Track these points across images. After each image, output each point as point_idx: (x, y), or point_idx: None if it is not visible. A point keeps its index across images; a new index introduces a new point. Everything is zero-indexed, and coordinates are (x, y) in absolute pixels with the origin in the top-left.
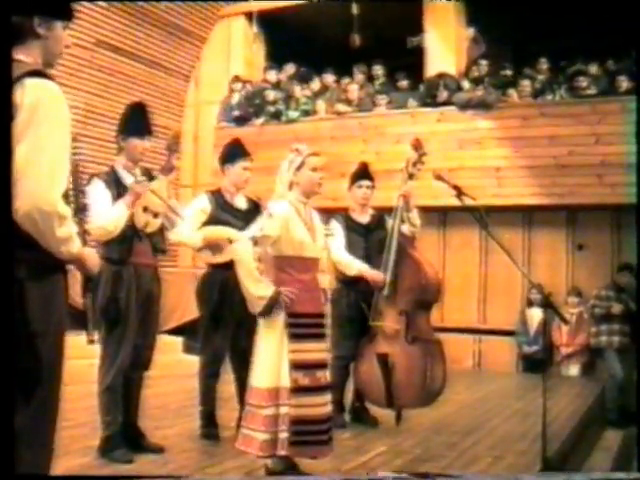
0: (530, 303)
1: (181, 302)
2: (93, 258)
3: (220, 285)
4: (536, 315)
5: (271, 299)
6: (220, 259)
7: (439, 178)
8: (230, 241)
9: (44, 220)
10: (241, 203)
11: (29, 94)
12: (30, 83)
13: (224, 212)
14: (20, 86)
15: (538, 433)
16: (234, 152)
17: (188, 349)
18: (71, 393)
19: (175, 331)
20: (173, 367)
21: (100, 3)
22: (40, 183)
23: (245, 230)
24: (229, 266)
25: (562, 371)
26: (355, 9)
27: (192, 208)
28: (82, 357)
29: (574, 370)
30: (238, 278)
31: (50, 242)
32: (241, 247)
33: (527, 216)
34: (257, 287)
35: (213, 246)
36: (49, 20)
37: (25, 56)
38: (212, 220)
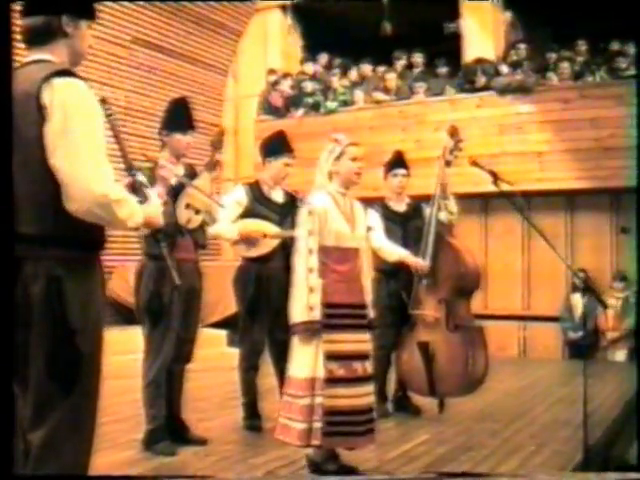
0: (575, 288)
1: (224, 295)
2: (156, 216)
3: (255, 278)
4: (581, 300)
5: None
6: (254, 253)
7: (475, 164)
8: (265, 235)
9: (105, 211)
10: (278, 196)
11: (59, 94)
12: (59, 83)
13: (260, 205)
14: (48, 86)
15: (581, 421)
16: (277, 146)
17: (232, 342)
18: (117, 387)
19: (219, 324)
20: (217, 360)
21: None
22: (89, 181)
23: (281, 224)
24: (265, 259)
25: (608, 356)
26: None
27: (228, 200)
28: (127, 352)
29: (620, 355)
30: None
31: (117, 225)
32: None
33: (570, 200)
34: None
35: (248, 240)
36: (76, 19)
37: (51, 55)
38: (248, 213)
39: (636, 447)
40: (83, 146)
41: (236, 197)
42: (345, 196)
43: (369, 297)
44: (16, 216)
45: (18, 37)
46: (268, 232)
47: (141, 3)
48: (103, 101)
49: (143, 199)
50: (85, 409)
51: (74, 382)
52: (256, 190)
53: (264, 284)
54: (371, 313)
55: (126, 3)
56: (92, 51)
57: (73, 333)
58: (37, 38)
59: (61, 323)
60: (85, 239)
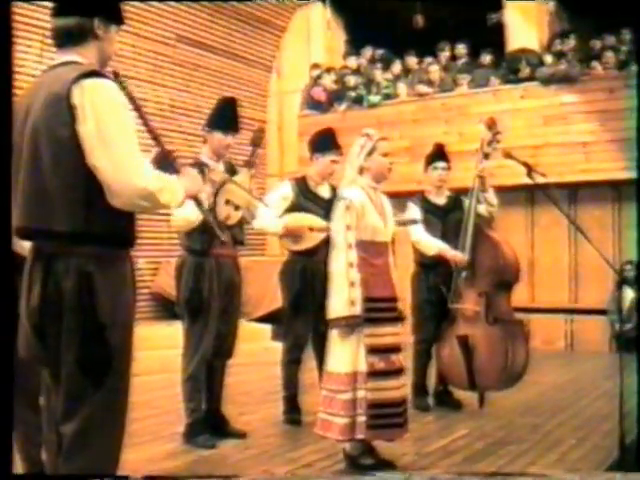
0: (623, 281)
1: (269, 290)
2: (194, 188)
3: (301, 272)
4: (629, 293)
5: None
6: (301, 247)
7: (509, 156)
8: (311, 229)
9: (148, 202)
10: (325, 192)
11: (90, 95)
12: (89, 83)
13: (307, 200)
14: (78, 87)
15: (626, 413)
16: (326, 143)
17: (276, 336)
18: (161, 381)
19: (264, 319)
20: (260, 355)
21: None
22: (130, 177)
23: (327, 218)
24: (310, 253)
25: None
26: None
27: (274, 195)
28: (169, 347)
29: None
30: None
31: (162, 209)
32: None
33: (617, 191)
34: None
35: (294, 234)
36: (107, 23)
37: (80, 57)
38: (295, 207)
39: None
40: (119, 144)
41: (282, 192)
42: (376, 190)
43: (399, 290)
44: (48, 214)
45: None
46: (314, 226)
47: (183, 1)
48: (115, 74)
49: (173, 170)
50: (116, 403)
51: (104, 376)
52: (302, 185)
53: (309, 278)
54: (401, 305)
55: (169, 2)
56: (137, 50)
57: (103, 328)
58: (68, 39)
59: (91, 318)
60: (116, 236)
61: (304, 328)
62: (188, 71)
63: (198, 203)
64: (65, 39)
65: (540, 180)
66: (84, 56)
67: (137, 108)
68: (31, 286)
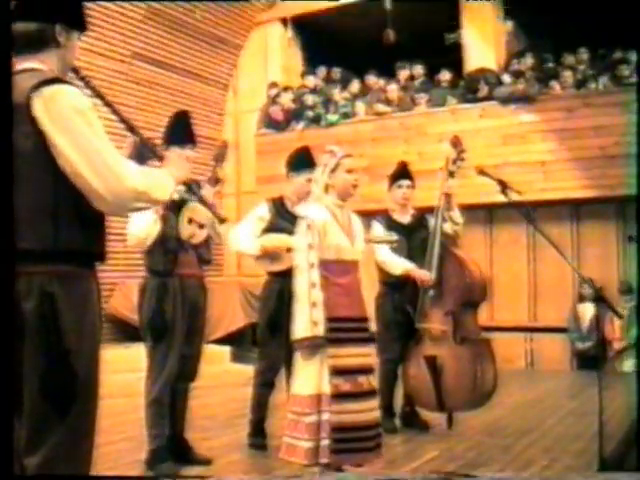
0: (582, 298)
1: (227, 311)
2: (182, 172)
3: (278, 293)
4: (588, 310)
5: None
6: (278, 267)
7: (483, 173)
8: (288, 250)
9: (142, 202)
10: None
11: (53, 103)
12: (50, 91)
13: (284, 220)
14: (39, 97)
15: (594, 433)
16: (301, 162)
17: (236, 358)
18: (120, 406)
19: (222, 340)
20: (221, 377)
21: (135, 15)
22: (116, 180)
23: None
24: (287, 274)
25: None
26: (388, 4)
27: (251, 216)
28: (130, 370)
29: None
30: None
31: (156, 205)
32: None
33: (575, 210)
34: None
35: (272, 255)
36: (69, 29)
37: (41, 65)
38: (272, 228)
39: None
40: (97, 149)
41: (259, 213)
42: (342, 208)
43: (370, 309)
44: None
45: None
46: (292, 246)
47: (140, 18)
48: (76, 71)
49: (155, 157)
50: (82, 432)
51: (70, 404)
52: (279, 205)
53: (286, 299)
54: (373, 326)
55: (125, 18)
56: (92, 66)
57: (67, 352)
58: (28, 45)
59: (55, 342)
60: (82, 253)
61: (278, 350)
62: (144, 89)
63: (188, 187)
64: (25, 45)
65: (514, 197)
66: (44, 63)
67: (106, 102)
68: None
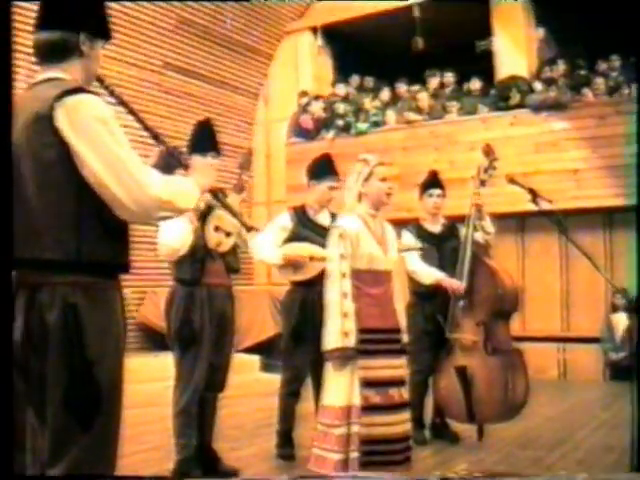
0: (615, 308)
1: (257, 320)
2: (207, 179)
3: (301, 303)
4: (622, 320)
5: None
6: (301, 277)
7: (513, 182)
8: (311, 259)
9: (166, 211)
10: (324, 220)
11: (76, 113)
12: (72, 102)
13: (306, 229)
14: (62, 106)
15: (627, 445)
16: (322, 170)
17: (265, 367)
18: (148, 415)
19: (252, 349)
20: (250, 386)
21: (166, 25)
22: (139, 190)
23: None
24: (311, 283)
25: None
26: (417, 12)
27: (273, 225)
28: (159, 379)
29: None
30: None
31: (182, 213)
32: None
33: (608, 218)
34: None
35: (294, 264)
36: (93, 38)
37: (64, 74)
38: (294, 237)
39: None
40: (120, 159)
41: (281, 222)
42: (376, 218)
43: (403, 321)
44: (35, 242)
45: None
46: (314, 255)
47: (171, 28)
48: (100, 80)
49: (180, 166)
50: (105, 444)
51: (93, 416)
52: (301, 214)
53: (309, 309)
54: (405, 337)
55: (157, 28)
56: (123, 76)
57: (91, 364)
58: (51, 55)
59: (78, 353)
60: (107, 263)
61: (303, 360)
62: (175, 98)
63: (214, 195)
64: (48, 55)
65: (545, 206)
66: (68, 72)
67: (131, 111)
68: (14, 319)
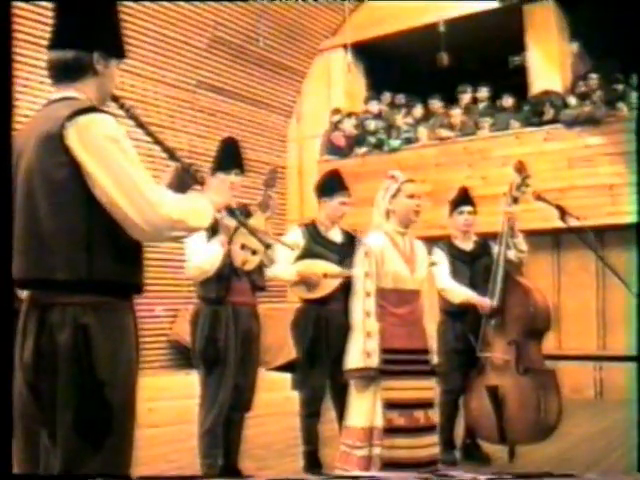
0: None
1: (289, 338)
2: (222, 199)
3: (315, 320)
4: None
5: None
6: (315, 294)
7: (540, 199)
8: (325, 276)
9: (178, 230)
10: (336, 236)
11: (87, 134)
12: (84, 121)
13: (318, 245)
14: (73, 126)
15: None
16: (332, 186)
17: (296, 385)
18: (175, 434)
19: (284, 368)
20: (280, 405)
21: (199, 44)
22: (150, 210)
23: (341, 263)
24: (324, 301)
25: None
26: (442, 27)
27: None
28: (187, 397)
29: None
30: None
31: (194, 232)
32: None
33: None
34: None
35: (308, 281)
36: (107, 57)
37: (78, 93)
38: (306, 253)
39: None
40: (132, 178)
41: (292, 239)
42: (404, 235)
43: (433, 342)
44: (46, 262)
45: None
46: (329, 272)
47: (204, 47)
48: (115, 99)
49: (195, 183)
50: (117, 465)
51: (104, 438)
52: (313, 230)
53: (323, 326)
54: (435, 358)
55: (190, 47)
56: (156, 95)
57: (101, 385)
58: (65, 74)
59: (88, 374)
60: (118, 284)
61: (320, 379)
62: (207, 117)
63: (231, 212)
64: (62, 74)
65: (573, 223)
66: (82, 92)
67: (148, 132)
68: (24, 340)
